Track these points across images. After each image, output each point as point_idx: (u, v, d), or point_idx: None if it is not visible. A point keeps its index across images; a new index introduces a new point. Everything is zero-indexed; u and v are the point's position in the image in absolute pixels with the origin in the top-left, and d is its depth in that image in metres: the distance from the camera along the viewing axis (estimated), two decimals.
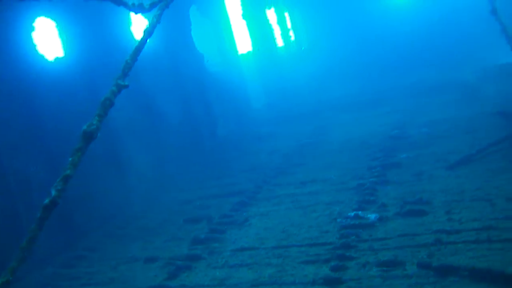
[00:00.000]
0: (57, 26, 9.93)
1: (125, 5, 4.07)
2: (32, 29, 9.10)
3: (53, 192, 2.97)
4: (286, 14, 22.69)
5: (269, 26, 18.85)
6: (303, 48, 23.84)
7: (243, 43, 21.10)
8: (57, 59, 9.94)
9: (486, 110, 11.33)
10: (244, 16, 17.68)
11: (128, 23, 11.63)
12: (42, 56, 9.37)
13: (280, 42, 22.19)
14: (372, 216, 7.09)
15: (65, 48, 10.00)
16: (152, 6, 4.38)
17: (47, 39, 11.13)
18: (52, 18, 9.80)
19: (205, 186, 11.11)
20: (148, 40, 3.99)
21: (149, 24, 4.04)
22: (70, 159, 3.09)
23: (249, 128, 15.70)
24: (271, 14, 20.96)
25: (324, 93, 19.30)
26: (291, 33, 23.12)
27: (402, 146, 10.54)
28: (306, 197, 8.82)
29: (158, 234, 8.67)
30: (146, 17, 7.19)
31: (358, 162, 10.08)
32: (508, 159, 8.15)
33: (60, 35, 9.95)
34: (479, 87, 13.83)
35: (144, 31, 4.01)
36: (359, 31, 21.69)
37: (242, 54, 20.85)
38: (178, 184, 11.46)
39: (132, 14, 4.92)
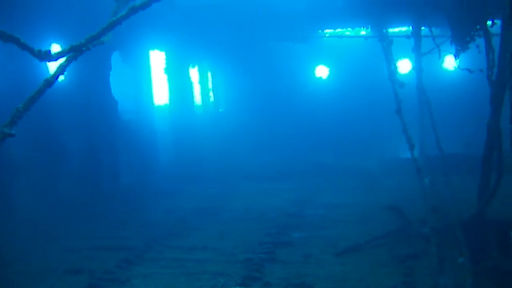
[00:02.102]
0: None
1: (31, 51, 3.94)
2: None
3: None
4: (209, 75, 23.03)
5: (190, 83, 18.98)
6: (220, 110, 24.17)
7: (162, 95, 21.13)
8: None
9: (381, 202, 11.83)
10: (166, 70, 17.74)
11: None
12: None
13: (199, 101, 22.40)
14: None
15: None
16: (59, 55, 4.28)
17: None
18: None
19: (95, 236, 10.71)
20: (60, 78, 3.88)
21: (52, 75, 3.95)
22: None
23: (153, 182, 15.48)
24: (194, 72, 21.18)
25: (234, 158, 19.54)
26: (211, 94, 23.42)
27: (296, 225, 10.70)
28: (193, 264, 8.66)
29: (34, 282, 8.20)
30: None
31: (252, 235, 10.10)
32: (391, 254, 8.43)
33: None
34: (379, 178, 14.47)
35: (45, 80, 3.91)
36: (277, 103, 22.35)
37: (159, 106, 20.80)
38: (68, 231, 10.99)
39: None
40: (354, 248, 8.79)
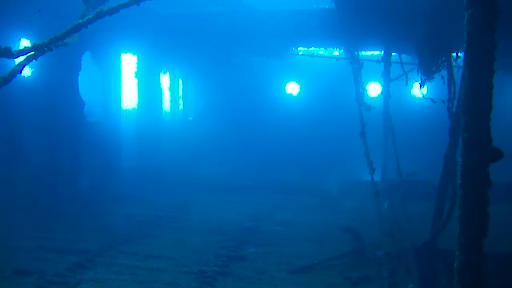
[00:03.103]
0: None
1: None
2: None
3: None
4: (180, 82, 22.97)
5: (160, 89, 18.88)
6: (190, 118, 24.11)
7: (130, 99, 20.95)
8: None
9: (339, 222, 11.91)
10: (137, 75, 17.62)
11: None
12: None
13: (168, 108, 22.30)
14: None
15: None
16: (20, 53, 4.22)
17: None
18: None
19: (48, 238, 10.52)
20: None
21: (8, 72, 3.89)
22: None
23: (114, 186, 15.29)
24: (165, 79, 21.11)
25: (199, 168, 19.48)
26: (181, 102, 23.36)
27: (253, 240, 10.68)
28: (146, 272, 8.58)
29: None
30: None
31: (208, 247, 10.05)
32: (344, 275, 8.47)
33: None
34: (339, 198, 14.58)
35: (0, 78, 3.84)
36: (246, 116, 22.41)
37: (127, 110, 20.62)
38: (21, 231, 10.76)
39: None
40: (308, 267, 8.81)
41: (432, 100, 8.69)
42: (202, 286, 7.80)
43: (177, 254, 9.59)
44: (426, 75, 9.11)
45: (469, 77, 3.80)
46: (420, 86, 8.86)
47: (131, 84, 18.57)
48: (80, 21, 4.40)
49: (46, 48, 4.13)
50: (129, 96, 21.05)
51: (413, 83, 13.54)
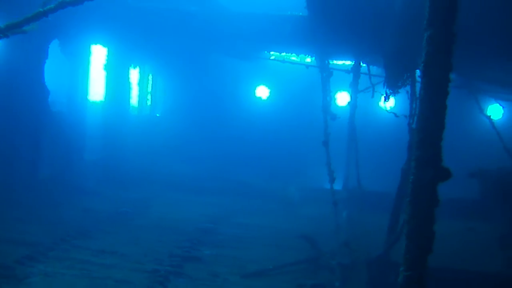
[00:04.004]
0: None
1: None
2: None
3: None
4: (150, 78, 22.75)
5: (128, 84, 18.65)
6: (157, 114, 23.90)
7: (98, 91, 20.67)
8: None
9: (297, 229, 11.93)
10: (106, 67, 17.37)
11: None
12: None
13: (135, 103, 22.07)
14: None
15: None
16: None
17: None
18: None
19: (0, 228, 10.29)
20: None
21: None
22: None
23: (75, 179, 15.03)
24: (135, 73, 20.88)
25: (163, 165, 19.30)
26: (150, 97, 23.13)
27: (209, 242, 10.64)
28: (99, 268, 8.46)
29: None
30: None
31: (164, 246, 9.98)
32: (298, 282, 8.50)
33: None
34: (300, 205, 14.64)
35: None
36: (214, 116, 22.33)
37: (94, 102, 20.35)
38: None
39: None
40: (262, 272, 8.82)
41: (395, 114, 8.80)
42: (154, 285, 7.73)
43: (131, 251, 9.49)
44: (392, 89, 9.20)
45: (424, 96, 3.84)
46: (385, 100, 8.94)
47: (100, 76, 18.33)
48: (41, 9, 4.32)
49: (1, 35, 4.04)
50: (96, 88, 20.77)
51: (381, 95, 13.67)
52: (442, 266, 6.71)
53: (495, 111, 20.36)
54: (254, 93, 23.80)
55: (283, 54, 19.01)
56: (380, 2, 9.22)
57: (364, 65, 13.78)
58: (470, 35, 7.97)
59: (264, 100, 23.81)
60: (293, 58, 19.65)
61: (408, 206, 3.99)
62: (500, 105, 20.04)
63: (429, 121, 3.85)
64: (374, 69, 13.21)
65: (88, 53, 16.29)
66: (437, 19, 3.86)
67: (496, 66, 10.99)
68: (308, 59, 19.01)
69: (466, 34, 7.91)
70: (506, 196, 10.27)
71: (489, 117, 14.14)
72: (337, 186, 13.12)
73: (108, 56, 17.42)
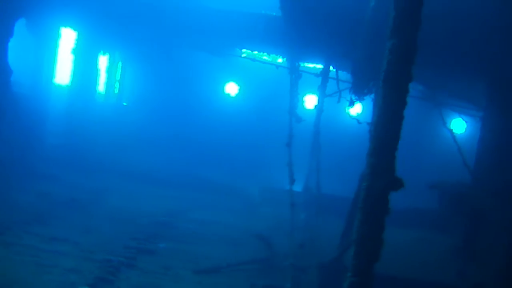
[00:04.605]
0: None
1: None
2: None
3: None
4: (119, 66, 22.46)
5: (97, 70, 18.39)
6: (124, 103, 23.62)
7: (65, 75, 20.27)
8: None
9: (254, 228, 11.95)
10: (74, 51, 17.09)
11: None
12: None
13: (103, 90, 21.76)
14: None
15: None
16: None
17: None
18: None
19: None
20: None
21: None
22: None
23: (34, 162, 14.70)
24: (104, 60, 20.59)
25: (128, 155, 19.09)
26: (118, 85, 22.83)
27: (165, 235, 10.54)
28: (48, 255, 8.29)
29: None
30: None
31: (118, 237, 9.85)
32: (250, 281, 8.50)
33: None
34: (259, 204, 14.65)
35: None
36: (181, 109, 22.20)
37: (59, 85, 20.00)
38: None
39: None
40: (215, 269, 8.79)
41: (358, 121, 8.88)
42: (104, 275, 7.61)
43: (85, 240, 9.34)
44: (357, 96, 9.29)
45: (382, 105, 3.87)
46: (349, 105, 9.02)
47: (67, 60, 18.00)
48: None
49: None
50: (63, 71, 20.38)
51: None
52: (389, 274, 6.79)
53: (459, 125, 20.76)
54: (223, 89, 23.72)
55: (255, 52, 18.97)
56: (353, 10, 9.28)
57: (334, 70, 13.83)
58: (435, 49, 8.09)
59: (232, 97, 23.75)
60: (265, 57, 19.66)
61: (359, 212, 4.01)
62: (464, 120, 20.43)
63: (385, 129, 3.87)
64: (344, 75, 13.28)
65: (57, 35, 15.98)
66: (400, 29, 3.89)
67: (460, 80, 11.19)
68: (280, 60, 19.03)
69: (432, 47, 8.03)
70: (460, 209, 10.45)
71: (451, 131, 14.36)
72: (298, 188, 13.20)
73: (77, 40, 17.14)
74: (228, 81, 23.56)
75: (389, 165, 3.85)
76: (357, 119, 9.07)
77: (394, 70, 3.83)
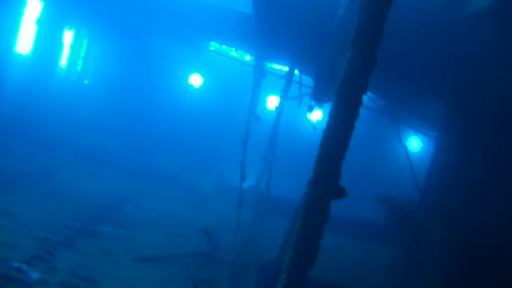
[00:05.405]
0: None
1: None
2: None
3: None
4: (85, 43, 22.00)
5: (60, 44, 17.98)
6: (86, 82, 23.17)
7: (26, 44, 19.76)
8: None
9: (202, 221, 11.93)
10: (39, 22, 16.66)
11: None
12: None
13: (64, 65, 21.30)
14: (33, 276, 6.70)
15: None
16: None
17: None
18: None
19: None
20: None
21: None
22: None
23: None
24: (69, 35, 20.15)
25: (84, 134, 18.76)
26: (81, 63, 22.35)
27: (110, 220, 10.39)
28: None
29: None
30: None
31: (62, 216, 9.67)
32: (189, 274, 8.46)
33: None
34: (211, 198, 14.63)
35: None
36: (144, 95, 21.95)
37: (19, 55, 19.49)
38: None
39: None
40: (155, 258, 8.72)
41: (314, 127, 8.94)
42: (40, 254, 7.45)
43: (27, 216, 9.14)
44: (317, 102, 9.36)
45: (334, 114, 3.89)
46: (308, 110, 9.08)
47: (31, 30, 17.55)
48: None
49: None
50: (25, 41, 19.87)
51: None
52: (323, 280, 6.87)
53: (415, 143, 21.15)
54: (187, 79, 23.50)
55: (223, 46, 18.89)
56: (323, 16, 9.33)
57: (298, 73, 13.89)
58: (398, 66, 8.22)
59: (196, 88, 23.56)
60: (233, 53, 19.61)
61: (299, 217, 4.02)
62: (420, 138, 20.82)
63: (335, 138, 3.89)
64: (308, 80, 13.36)
65: (22, 2, 15.54)
66: (360, 41, 3.92)
67: (419, 100, 11.39)
68: (247, 57, 19.01)
69: (395, 65, 8.16)
70: (404, 225, 10.66)
71: (405, 147, 14.61)
72: (250, 186, 13.23)
73: (43, 10, 16.73)
74: (193, 72, 23.35)
75: (334, 173, 3.87)
76: (313, 125, 9.13)
77: (349, 80, 3.86)
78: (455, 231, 6.83)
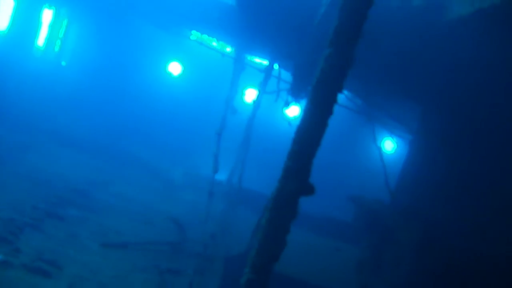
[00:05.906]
0: None
1: None
2: None
3: None
4: (64, 24, 21.66)
5: (38, 22, 17.66)
6: (63, 63, 22.83)
7: (2, 20, 19.34)
8: None
9: (172, 211, 11.88)
10: None
11: None
12: None
13: (42, 45, 20.94)
14: None
15: None
16: None
17: None
18: None
19: None
20: None
21: None
22: None
23: None
24: (48, 14, 19.81)
25: (60, 116, 18.50)
26: (59, 43, 22.01)
27: (79, 204, 10.27)
28: None
29: None
30: None
31: (30, 197, 9.50)
32: (155, 262, 8.43)
33: None
34: (183, 188, 14.55)
35: None
36: (123, 78, 21.72)
37: None
38: None
39: None
40: (122, 244, 8.67)
41: (289, 123, 8.94)
42: (4, 235, 7.34)
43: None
44: (294, 98, 9.37)
45: (308, 111, 3.90)
46: (284, 105, 9.08)
47: (8, 6, 17.19)
48: None
49: None
50: (1, 17, 19.44)
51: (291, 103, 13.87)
52: (289, 275, 6.91)
53: (389, 145, 21.33)
54: (166, 67, 23.30)
55: (204, 36, 18.77)
56: (304, 12, 9.33)
57: (277, 68, 13.89)
58: (376, 68, 8.27)
59: (174, 77, 23.36)
60: (214, 43, 19.49)
61: (267, 212, 4.03)
62: (394, 140, 21.00)
63: (307, 135, 3.90)
64: (287, 76, 13.37)
65: None
66: (339, 40, 3.92)
67: (396, 102, 11.48)
68: (228, 49, 18.93)
69: (374, 66, 8.21)
70: (371, 224, 10.75)
71: (379, 148, 14.72)
72: (222, 178, 13.21)
73: None
74: (172, 60, 23.15)
75: (304, 170, 3.88)
76: (288, 121, 9.14)
77: (325, 78, 3.86)
78: (421, 232, 6.92)
